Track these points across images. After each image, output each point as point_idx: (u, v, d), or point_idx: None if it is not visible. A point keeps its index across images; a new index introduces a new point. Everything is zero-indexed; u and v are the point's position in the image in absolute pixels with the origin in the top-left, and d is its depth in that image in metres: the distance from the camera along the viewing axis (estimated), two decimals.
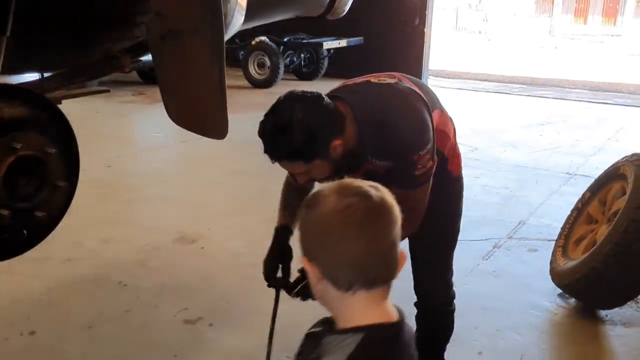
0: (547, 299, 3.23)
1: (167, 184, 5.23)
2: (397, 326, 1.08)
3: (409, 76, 1.95)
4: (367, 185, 1.08)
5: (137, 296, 3.25)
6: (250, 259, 3.66)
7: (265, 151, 1.65)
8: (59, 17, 1.71)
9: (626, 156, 3.13)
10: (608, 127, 7.62)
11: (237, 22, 1.90)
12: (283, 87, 9.51)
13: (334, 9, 2.65)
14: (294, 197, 1.96)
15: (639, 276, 2.82)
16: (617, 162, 3.18)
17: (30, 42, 1.69)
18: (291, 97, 1.66)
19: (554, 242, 3.44)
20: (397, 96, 1.79)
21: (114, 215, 4.37)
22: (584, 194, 3.37)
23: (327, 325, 1.13)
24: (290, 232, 2.00)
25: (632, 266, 2.78)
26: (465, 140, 6.25)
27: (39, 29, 1.73)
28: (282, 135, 1.60)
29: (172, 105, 1.74)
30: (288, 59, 9.85)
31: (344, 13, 2.80)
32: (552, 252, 3.31)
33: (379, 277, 1.06)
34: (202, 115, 1.69)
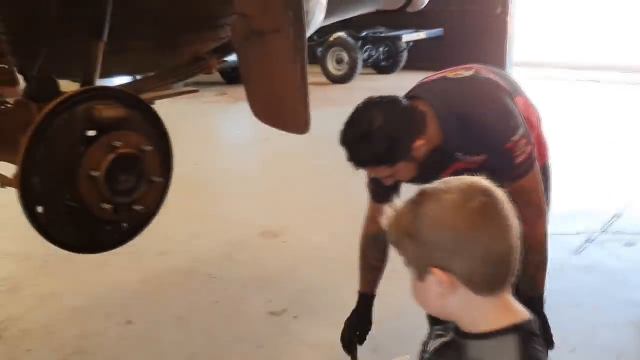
0: None
1: (251, 180, 5.38)
2: (535, 321, 1.06)
3: (486, 66, 1.92)
4: (473, 180, 1.04)
5: (225, 288, 3.38)
6: (333, 253, 3.72)
7: (348, 159, 1.67)
8: (150, 21, 1.81)
9: None
10: None
11: (317, 19, 1.94)
12: (361, 82, 9.54)
13: (414, 1, 2.64)
14: (376, 256, 1.96)
15: None
16: None
17: (125, 47, 1.80)
18: (368, 104, 1.67)
19: None
20: (476, 87, 1.77)
21: (202, 211, 4.55)
22: None
23: (453, 332, 1.09)
24: (373, 298, 2.00)
25: None
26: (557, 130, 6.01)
27: (132, 33, 1.83)
28: (363, 143, 1.62)
29: (256, 102, 1.80)
30: (366, 54, 9.83)
31: (424, 5, 2.78)
32: None
33: (513, 273, 1.03)
34: (285, 112, 1.74)
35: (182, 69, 1.95)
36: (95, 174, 1.43)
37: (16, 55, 1.76)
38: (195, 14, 1.81)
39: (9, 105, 1.79)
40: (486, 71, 1.86)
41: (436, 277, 1.00)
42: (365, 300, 1.99)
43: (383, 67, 10.17)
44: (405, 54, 10.00)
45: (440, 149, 1.71)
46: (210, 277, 3.51)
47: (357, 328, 2.00)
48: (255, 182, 5.33)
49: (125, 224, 1.57)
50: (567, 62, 10.90)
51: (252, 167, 5.95)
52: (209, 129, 7.54)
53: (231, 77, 8.97)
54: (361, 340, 2.01)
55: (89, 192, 1.44)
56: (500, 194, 1.02)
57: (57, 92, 1.64)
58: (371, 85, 9.05)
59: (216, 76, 9.02)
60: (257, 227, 4.15)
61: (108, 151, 1.46)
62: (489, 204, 1.00)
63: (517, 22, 10.25)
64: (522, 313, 1.05)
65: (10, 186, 1.50)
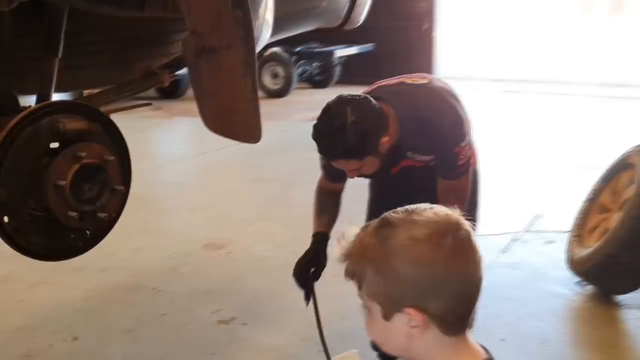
0: (565, 287, 3.35)
1: (191, 193, 5.41)
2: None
3: (436, 77, 2.13)
4: (442, 213, 0.99)
5: (171, 300, 3.41)
6: (277, 262, 3.82)
7: (321, 152, 1.80)
8: (103, 38, 1.88)
9: (634, 146, 3.25)
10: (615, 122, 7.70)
11: (264, 36, 2.06)
12: (297, 96, 9.71)
13: (351, 19, 2.81)
14: (330, 204, 2.12)
15: None
16: (625, 152, 3.30)
17: (79, 62, 1.86)
18: (341, 101, 1.81)
19: (569, 233, 3.56)
20: (434, 95, 1.95)
21: (144, 226, 4.53)
22: (595, 185, 3.49)
23: None
24: (328, 239, 2.11)
25: None
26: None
27: (85, 50, 1.90)
28: (337, 136, 1.74)
29: (207, 114, 1.89)
30: (300, 69, 10.04)
31: (360, 23, 2.96)
32: (568, 242, 3.43)
33: (477, 309, 1.00)
34: (237, 123, 1.84)
35: (135, 84, 2.02)
36: (61, 183, 1.49)
37: None
38: (147, 31, 1.89)
39: None
40: (438, 81, 2.06)
41: (408, 317, 0.94)
42: (320, 239, 2.09)
43: (317, 81, 10.40)
44: (338, 69, 10.27)
45: (396, 147, 1.87)
46: (156, 291, 3.53)
47: (311, 265, 2.10)
48: (195, 195, 5.35)
49: (88, 232, 1.63)
50: (490, 74, 11.48)
51: (191, 180, 5.97)
52: (146, 144, 7.48)
53: (165, 92, 8.93)
54: (316, 277, 2.11)
55: (55, 201, 1.49)
56: (467, 225, 0.99)
57: (17, 106, 1.69)
58: (307, 99, 9.25)
59: (151, 91, 8.95)
60: (200, 239, 4.19)
61: (73, 162, 1.52)
62: (463, 239, 0.97)
63: (443, 37, 10.73)
64: (482, 353, 1.01)
65: None
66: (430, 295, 0.94)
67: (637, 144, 3.26)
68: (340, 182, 2.12)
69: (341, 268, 1.02)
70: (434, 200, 1.07)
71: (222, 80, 1.79)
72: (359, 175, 1.92)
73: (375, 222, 1.00)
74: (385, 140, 1.80)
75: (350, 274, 0.99)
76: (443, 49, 10.77)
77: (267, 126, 3.23)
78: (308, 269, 2.11)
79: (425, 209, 0.98)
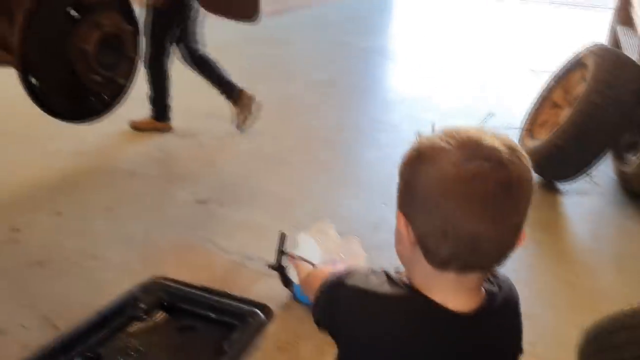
0: None
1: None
2: (466, 320, 0.91)
3: None
4: (501, 144, 0.85)
5: (147, 183, 3.53)
6: (248, 150, 4.00)
7: None
8: None
9: (587, 46, 3.49)
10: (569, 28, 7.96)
11: None
12: None
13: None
14: None
15: (593, 153, 3.26)
16: (579, 52, 3.54)
17: None
18: None
19: (520, 128, 3.84)
20: None
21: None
22: (548, 83, 3.75)
23: None
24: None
25: (588, 144, 3.20)
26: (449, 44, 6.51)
27: None
28: None
29: None
30: None
31: None
32: (519, 135, 3.72)
33: (483, 262, 0.90)
34: (236, 2, 1.93)
35: None
36: (86, 47, 1.58)
37: None
38: None
39: None
40: None
41: (399, 224, 0.93)
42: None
43: None
44: None
45: None
46: (132, 174, 3.64)
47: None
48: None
49: (106, 96, 1.73)
50: None
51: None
52: None
53: None
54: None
55: (81, 64, 1.59)
56: (519, 175, 0.84)
57: None
58: None
59: None
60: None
61: (96, 28, 1.61)
62: (485, 173, 0.83)
63: None
64: (466, 304, 0.92)
65: (7, 63, 1.60)
66: (420, 213, 0.88)
67: (590, 44, 3.49)
68: None
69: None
70: None
71: None
72: None
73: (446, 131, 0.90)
74: None
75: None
76: None
77: (231, 23, 3.28)
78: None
79: (477, 130, 0.89)
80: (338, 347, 1.01)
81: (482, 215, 0.83)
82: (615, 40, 4.59)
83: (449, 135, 0.87)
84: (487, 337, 0.95)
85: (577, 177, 3.41)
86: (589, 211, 3.37)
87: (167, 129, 4.28)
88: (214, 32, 4.16)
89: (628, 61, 3.29)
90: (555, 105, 3.64)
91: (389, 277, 0.96)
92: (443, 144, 0.86)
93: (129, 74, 1.79)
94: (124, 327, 2.04)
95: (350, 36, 7.24)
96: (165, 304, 2.18)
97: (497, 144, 0.85)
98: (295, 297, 2.45)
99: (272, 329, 2.24)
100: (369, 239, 2.83)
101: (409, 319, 0.92)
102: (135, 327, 2.07)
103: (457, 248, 0.86)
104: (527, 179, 0.86)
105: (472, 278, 0.91)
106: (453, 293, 0.91)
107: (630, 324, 1.39)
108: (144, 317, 2.10)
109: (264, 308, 2.17)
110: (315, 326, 1.07)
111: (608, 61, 3.23)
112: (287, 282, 2.46)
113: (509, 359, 1.01)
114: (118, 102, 1.89)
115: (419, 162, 0.88)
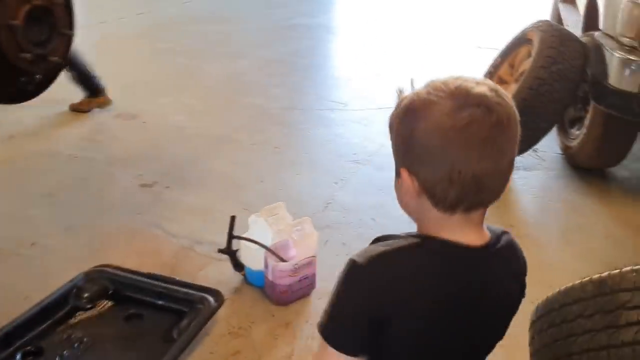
0: None
1: (95, 63, 5.20)
2: (479, 252, 1.00)
3: None
4: (487, 89, 0.94)
5: (90, 167, 3.41)
6: (194, 130, 3.90)
7: None
8: None
9: (532, 23, 3.53)
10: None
11: None
12: None
13: None
14: None
15: (540, 128, 3.31)
16: (525, 29, 3.57)
17: None
18: None
19: None
20: None
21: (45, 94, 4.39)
22: (495, 59, 3.78)
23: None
24: None
25: (535, 119, 3.24)
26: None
27: None
28: None
29: None
30: None
31: None
32: None
33: (487, 198, 0.97)
34: None
35: None
36: (14, 23, 1.46)
37: None
38: None
39: None
40: None
41: (403, 179, 0.98)
42: None
43: None
44: None
45: None
46: (73, 157, 3.51)
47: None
48: (99, 64, 5.16)
49: (38, 76, 1.63)
50: None
51: (93, 50, 5.71)
52: None
53: None
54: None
55: (8, 41, 1.47)
56: (508, 115, 0.94)
57: None
58: None
59: None
60: (110, 109, 4.14)
61: (24, 2, 1.49)
62: (479, 118, 0.91)
63: None
64: (474, 239, 1.00)
65: None
66: (422, 164, 0.95)
67: (535, 21, 3.53)
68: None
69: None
70: None
71: None
72: None
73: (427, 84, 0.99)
74: None
75: (389, 125, 1.02)
76: None
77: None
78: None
79: (463, 79, 0.96)
80: (385, 331, 0.97)
81: (483, 156, 0.92)
82: (558, 17, 4.67)
83: (437, 88, 0.95)
84: (497, 271, 1.04)
85: (523, 152, 3.46)
86: (536, 186, 3.43)
87: (108, 103, 4.13)
88: (157, 9, 4.03)
89: (572, 37, 3.34)
90: (502, 81, 3.67)
91: (390, 236, 1.02)
92: (433, 98, 0.93)
93: (64, 51, 1.68)
94: (67, 319, 1.95)
95: (297, 14, 7.14)
96: (110, 292, 2.10)
97: (483, 89, 0.93)
98: (247, 281, 2.40)
99: (224, 314, 2.19)
100: (320, 219, 2.81)
101: (432, 259, 0.98)
102: (79, 317, 1.99)
103: (464, 190, 0.93)
104: (514, 115, 0.96)
105: (477, 215, 0.99)
106: (463, 231, 0.99)
107: (580, 298, 1.40)
108: (88, 306, 2.02)
109: (214, 293, 2.12)
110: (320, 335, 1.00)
111: (553, 37, 3.26)
112: (238, 265, 2.41)
113: (514, 299, 1.09)
114: (51, 82, 1.78)
115: (415, 119, 0.94)
